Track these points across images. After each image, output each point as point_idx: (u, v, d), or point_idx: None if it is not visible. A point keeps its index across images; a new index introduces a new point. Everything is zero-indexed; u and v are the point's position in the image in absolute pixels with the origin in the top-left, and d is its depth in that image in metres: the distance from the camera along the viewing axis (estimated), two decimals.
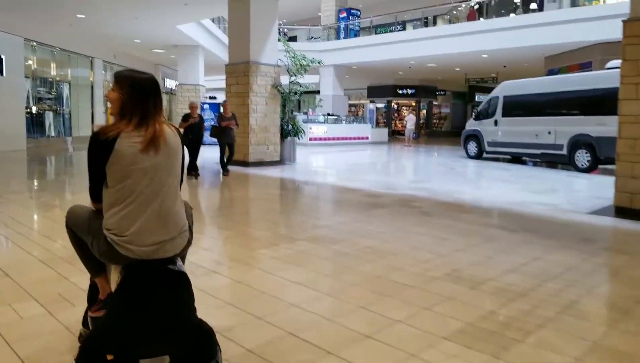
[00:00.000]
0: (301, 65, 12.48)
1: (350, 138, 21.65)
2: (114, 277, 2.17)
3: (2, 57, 14.16)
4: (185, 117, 9.31)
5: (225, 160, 10.06)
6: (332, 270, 3.89)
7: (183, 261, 2.27)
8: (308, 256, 4.18)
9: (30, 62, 16.57)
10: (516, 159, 14.16)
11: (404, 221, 5.62)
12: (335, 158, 15.67)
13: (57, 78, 18.54)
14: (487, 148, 14.12)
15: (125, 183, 1.99)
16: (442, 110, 33.38)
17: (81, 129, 19.92)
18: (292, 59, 12.52)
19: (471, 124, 14.87)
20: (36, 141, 16.57)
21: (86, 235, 2.15)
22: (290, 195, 7.93)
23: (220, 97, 31.72)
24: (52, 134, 17.91)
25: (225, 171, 9.96)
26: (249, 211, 6.33)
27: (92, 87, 20.46)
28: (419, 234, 5.01)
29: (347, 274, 3.70)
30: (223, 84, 32.94)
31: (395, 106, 32.22)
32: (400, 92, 30.25)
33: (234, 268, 3.88)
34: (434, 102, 32.44)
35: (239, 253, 4.27)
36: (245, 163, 11.80)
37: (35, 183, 9.03)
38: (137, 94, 2.04)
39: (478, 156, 14.47)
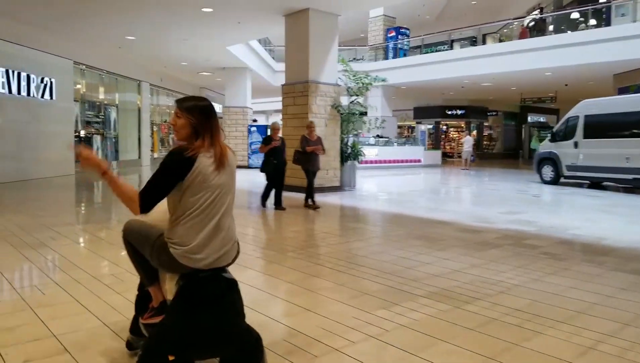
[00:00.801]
0: (363, 83, 11.59)
1: (402, 161, 20.56)
2: (169, 286, 2.37)
3: (52, 80, 13.89)
4: (267, 140, 8.30)
5: (311, 191, 8.74)
6: (490, 349, 2.83)
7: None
8: (447, 325, 3.14)
9: (78, 86, 16.36)
10: (595, 184, 12.76)
11: (534, 268, 4.52)
12: (394, 182, 14.60)
13: (105, 102, 18.33)
14: (566, 173, 12.75)
15: (195, 198, 2.19)
16: (490, 131, 31.89)
17: (128, 153, 19.60)
18: (353, 78, 11.66)
19: (546, 146, 13.55)
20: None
21: (144, 247, 2.32)
22: (371, 229, 6.92)
23: (261, 120, 31.30)
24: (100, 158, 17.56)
25: (312, 203, 8.61)
26: (334, 251, 5.36)
27: (139, 111, 20.21)
28: (570, 288, 3.90)
29: (515, 357, 2.64)
30: (266, 107, 32.47)
31: (444, 127, 30.98)
32: (450, 112, 29.08)
33: (360, 343, 2.86)
34: (485, 123, 31.04)
35: (353, 318, 3.26)
36: (303, 189, 10.88)
37: (87, 212, 8.37)
38: (206, 118, 2.29)
39: (554, 182, 13.11)
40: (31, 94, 12.99)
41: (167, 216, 2.30)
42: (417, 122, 30.19)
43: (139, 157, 20.20)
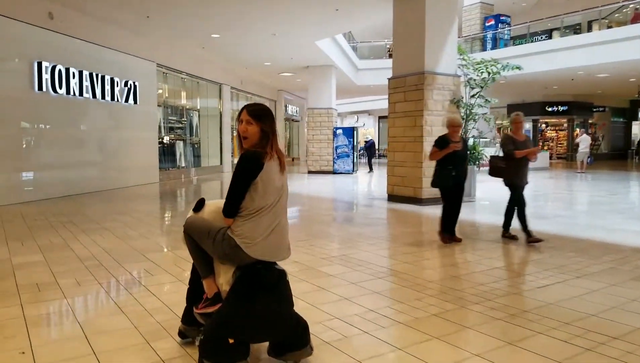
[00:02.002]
0: (489, 73, 9.71)
1: None
2: (224, 278, 2.52)
3: (136, 83, 13.14)
4: (442, 142, 5.61)
5: (523, 217, 5.70)
6: None
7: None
8: None
9: (160, 90, 15.66)
10: None
11: None
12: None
13: (187, 106, 17.62)
14: None
15: (264, 199, 2.40)
16: (594, 129, 28.47)
17: (210, 159, 18.81)
18: (477, 66, 9.81)
19: None
20: (167, 172, 15.49)
21: (205, 239, 2.51)
22: (556, 261, 5.10)
23: (347, 122, 29.68)
24: (183, 164, 16.85)
25: (530, 236, 5.63)
26: (535, 302, 3.66)
27: (220, 115, 19.40)
28: None
29: None
30: (349, 108, 30.57)
31: (544, 125, 28.03)
32: (550, 109, 26.16)
33: None
34: (589, 121, 27.75)
35: None
36: (417, 200, 9.20)
37: (179, 230, 7.19)
38: (272, 125, 2.51)
39: None
40: (115, 98, 12.26)
41: (220, 213, 2.52)
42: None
43: (221, 163, 19.37)
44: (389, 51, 25.99)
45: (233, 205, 2.40)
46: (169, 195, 11.91)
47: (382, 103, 34.95)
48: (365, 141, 22.37)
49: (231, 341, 2.33)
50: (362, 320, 3.19)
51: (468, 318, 3.25)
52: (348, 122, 37.92)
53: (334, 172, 17.82)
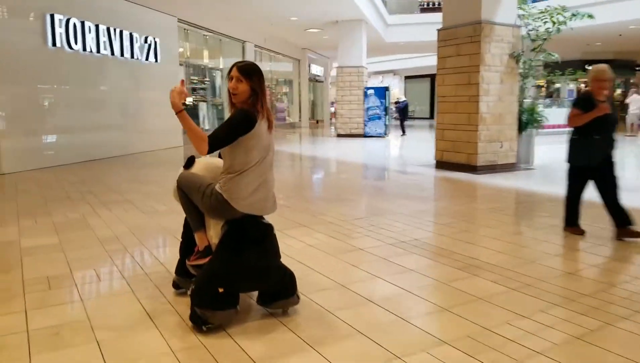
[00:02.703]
0: (553, 22, 8.50)
1: (554, 126, 16.97)
2: (213, 232, 2.64)
3: (157, 40, 12.19)
4: (585, 102, 4.10)
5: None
6: None
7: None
8: None
9: (181, 48, 14.67)
10: None
11: None
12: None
13: (210, 66, 16.63)
14: None
15: (252, 155, 2.49)
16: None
17: None
18: (540, 14, 8.61)
19: None
20: None
21: (195, 193, 2.58)
22: None
23: (371, 83, 28.35)
24: (207, 127, 16.02)
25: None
26: None
27: None
28: None
29: None
30: (373, 68, 28.68)
31: (582, 85, 26.30)
32: (590, 68, 24.37)
33: None
34: (631, 80, 25.90)
35: None
36: (470, 168, 8.24)
37: None
38: (262, 83, 2.53)
39: None
40: (135, 56, 11.36)
41: (209, 169, 2.73)
42: (549, 81, 25.85)
43: None
44: (420, 4, 24.40)
45: (216, 143, 2.40)
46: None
47: (408, 62, 33.38)
48: (397, 102, 21.17)
49: (221, 290, 2.45)
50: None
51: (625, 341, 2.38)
52: (371, 83, 36.48)
53: (364, 135, 16.81)
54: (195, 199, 2.61)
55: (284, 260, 2.81)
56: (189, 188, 2.63)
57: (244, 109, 2.45)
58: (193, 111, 15.28)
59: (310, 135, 20.11)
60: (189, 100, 14.97)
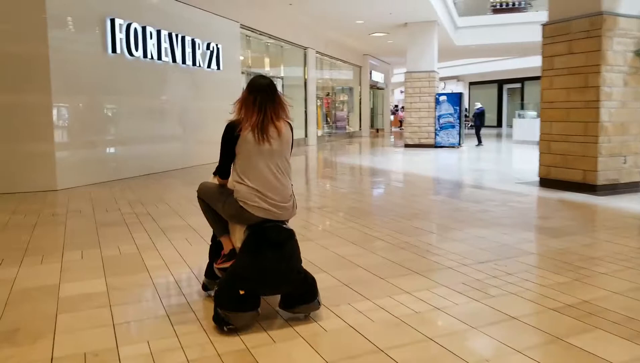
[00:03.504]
0: None
1: None
2: (238, 236, 2.75)
3: (219, 47, 11.51)
4: None
5: None
6: None
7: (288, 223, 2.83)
8: None
9: (242, 57, 14.00)
10: None
11: None
12: None
13: (271, 74, 15.90)
14: None
15: (250, 162, 2.65)
16: None
17: (296, 131, 17.07)
18: None
19: None
20: None
21: (216, 202, 2.80)
22: None
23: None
24: None
25: None
26: None
27: (305, 83, 17.56)
28: None
29: None
30: (439, 73, 26.62)
31: None
32: None
33: None
34: None
35: None
36: (588, 187, 6.85)
37: None
38: (254, 96, 2.66)
39: None
40: (196, 63, 10.70)
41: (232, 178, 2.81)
42: None
43: (306, 135, 17.64)
44: (492, 5, 22.79)
45: (220, 166, 2.79)
46: None
47: (473, 67, 31.56)
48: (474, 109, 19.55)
49: (241, 292, 2.52)
50: None
51: None
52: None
53: (435, 145, 15.48)
54: (217, 208, 2.82)
55: (416, 336, 1.77)
56: (210, 198, 2.86)
57: (228, 124, 2.70)
58: None
59: (373, 145, 19.00)
60: None
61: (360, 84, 24.01)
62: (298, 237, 2.80)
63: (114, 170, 8.57)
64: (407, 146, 15.93)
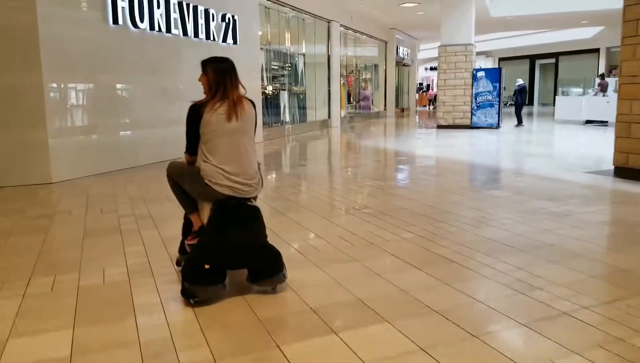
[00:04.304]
0: None
1: None
2: (206, 213, 2.85)
3: (235, 18, 10.33)
4: None
5: None
6: None
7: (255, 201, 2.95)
8: None
9: (260, 32, 12.80)
10: None
11: None
12: None
13: (291, 49, 14.68)
14: None
15: (214, 143, 2.73)
16: None
17: (317, 112, 15.95)
18: None
19: None
20: (270, 129, 12.83)
21: (184, 180, 2.91)
22: None
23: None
24: (287, 119, 14.14)
25: None
26: None
27: (328, 59, 16.29)
28: None
29: None
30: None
31: None
32: None
33: None
34: None
35: None
36: None
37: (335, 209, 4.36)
38: (219, 76, 2.76)
39: None
40: (211, 37, 9.57)
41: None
42: None
43: (329, 116, 16.44)
44: None
45: (188, 145, 2.85)
46: (288, 162, 9.21)
47: (503, 42, 29.72)
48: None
49: (207, 266, 2.59)
50: None
51: None
52: None
53: (471, 126, 14.15)
54: (185, 186, 2.92)
55: None
56: (179, 176, 2.97)
57: (190, 106, 2.79)
58: (273, 101, 13.41)
59: (401, 126, 17.74)
60: (269, 89, 13.10)
61: (385, 61, 22.57)
62: (338, 254, 2.96)
63: (117, 159, 7.54)
64: (439, 127, 14.63)
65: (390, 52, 22.48)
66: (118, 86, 7.73)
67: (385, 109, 23.04)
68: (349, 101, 19.87)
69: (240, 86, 2.84)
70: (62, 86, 6.74)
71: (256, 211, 2.84)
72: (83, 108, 7.14)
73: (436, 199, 5.38)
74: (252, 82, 11.26)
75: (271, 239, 3.06)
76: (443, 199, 5.36)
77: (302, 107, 15.37)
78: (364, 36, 20.10)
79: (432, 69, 39.30)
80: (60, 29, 6.59)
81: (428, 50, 32.76)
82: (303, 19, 14.83)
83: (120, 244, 3.86)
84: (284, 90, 14.08)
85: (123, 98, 7.88)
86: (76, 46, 6.83)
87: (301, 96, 15.27)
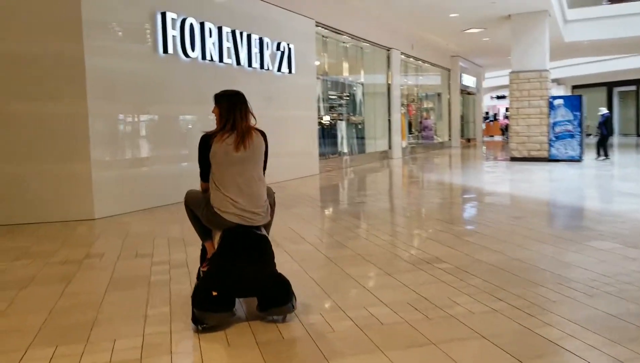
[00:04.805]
0: None
1: None
2: (217, 240, 2.95)
3: (291, 47, 9.90)
4: None
5: None
6: None
7: (267, 232, 3.07)
8: None
9: (317, 62, 12.36)
10: None
11: None
12: None
13: (350, 78, 14.13)
14: None
15: (222, 172, 2.85)
16: None
17: (377, 143, 15.21)
18: None
19: None
20: (326, 161, 12.21)
21: (197, 208, 3.01)
22: None
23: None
24: (345, 150, 13.48)
25: None
26: None
27: (388, 88, 15.60)
28: None
29: None
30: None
31: None
32: None
33: None
34: None
35: None
36: None
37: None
38: (228, 107, 2.91)
39: None
40: (265, 66, 9.15)
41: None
42: None
43: (390, 147, 15.64)
44: None
45: (200, 172, 3.03)
46: (345, 198, 8.49)
47: (576, 69, 27.87)
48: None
49: (214, 293, 2.64)
50: None
51: None
52: None
53: (549, 158, 12.84)
54: (198, 213, 3.03)
55: None
56: (194, 204, 3.08)
57: (202, 136, 2.95)
58: (329, 132, 12.82)
59: (469, 158, 16.63)
60: (326, 119, 12.54)
61: (449, 89, 21.59)
62: (410, 332, 2.54)
63: (163, 193, 7.10)
64: (513, 159, 13.40)
65: (454, 80, 21.51)
66: (167, 117, 7.37)
67: (449, 139, 21.94)
68: (410, 131, 19.00)
69: (250, 117, 2.96)
70: (108, 117, 6.43)
71: (264, 239, 2.90)
72: (129, 140, 6.80)
73: (524, 251, 4.41)
74: (307, 112, 10.75)
75: (319, 298, 3.05)
76: (533, 252, 4.37)
77: (361, 138, 14.69)
78: (426, 64, 19.31)
79: (498, 97, 37.72)
80: (108, 58, 6.32)
81: (494, 78, 31.41)
82: (361, 48, 14.30)
83: (144, 302, 3.23)
84: (342, 120, 13.49)
85: (172, 130, 7.52)
86: (124, 76, 6.54)
87: (359, 126, 14.61)
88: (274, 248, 2.98)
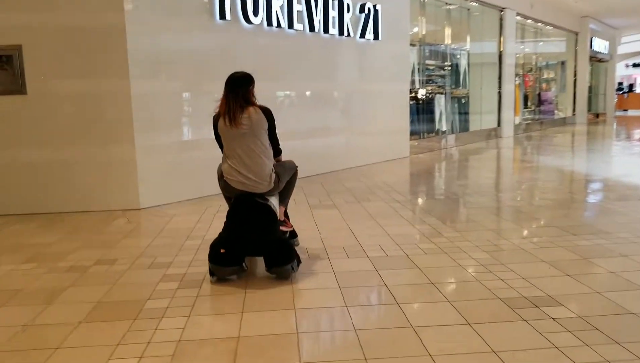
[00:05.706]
0: None
1: None
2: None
3: (377, 8, 8.50)
4: None
5: None
6: None
7: (285, 198, 3.68)
8: None
9: (415, 28, 10.76)
10: None
11: None
12: None
13: (452, 46, 12.32)
14: None
15: (227, 145, 3.34)
16: None
17: (484, 120, 13.28)
18: None
19: None
20: (420, 141, 10.72)
21: (220, 180, 3.46)
22: None
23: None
24: (444, 128, 11.82)
25: None
26: None
27: (500, 56, 13.47)
28: None
29: None
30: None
31: None
32: None
33: None
34: None
35: None
36: None
37: None
38: (228, 88, 3.34)
39: None
40: (344, 32, 7.89)
41: None
42: None
43: (499, 125, 13.59)
44: None
45: (220, 147, 3.47)
46: (437, 189, 7.11)
47: None
48: None
49: (222, 251, 3.09)
50: None
51: None
52: None
53: None
54: (220, 184, 3.49)
55: None
56: (218, 176, 3.48)
57: (213, 116, 3.41)
58: (426, 107, 11.25)
59: (596, 136, 14.02)
60: (422, 92, 10.97)
61: (575, 56, 18.50)
62: None
63: (213, 181, 6.25)
64: None
65: (582, 46, 18.37)
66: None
67: (573, 114, 18.93)
68: (525, 106, 16.56)
69: (250, 97, 3.37)
70: (155, 94, 5.66)
71: (266, 208, 3.26)
72: (179, 122, 6.02)
73: None
74: (397, 85, 9.33)
75: None
76: None
77: (464, 113, 12.87)
78: (548, 27, 16.58)
79: (635, 65, 32.46)
80: (153, 27, 5.53)
81: (631, 43, 26.81)
82: (468, 9, 12.36)
83: (113, 347, 2.31)
84: (442, 93, 11.80)
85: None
86: (172, 47, 5.72)
87: (463, 101, 12.78)
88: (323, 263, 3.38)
